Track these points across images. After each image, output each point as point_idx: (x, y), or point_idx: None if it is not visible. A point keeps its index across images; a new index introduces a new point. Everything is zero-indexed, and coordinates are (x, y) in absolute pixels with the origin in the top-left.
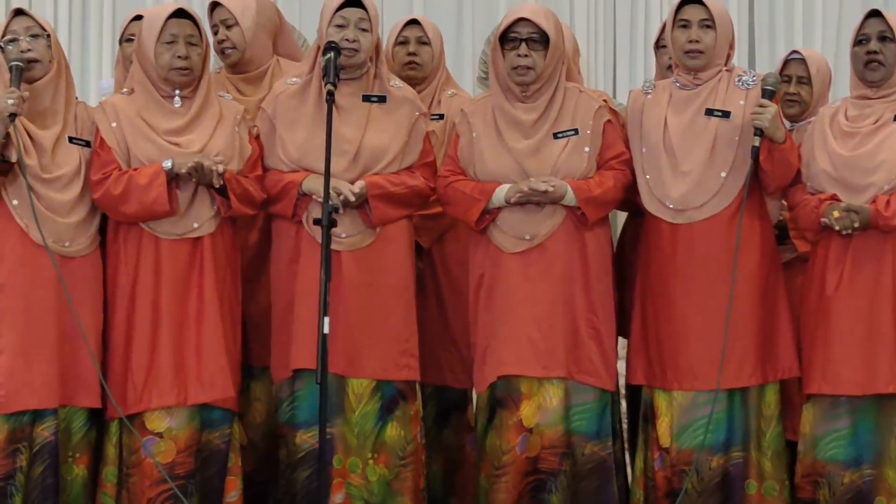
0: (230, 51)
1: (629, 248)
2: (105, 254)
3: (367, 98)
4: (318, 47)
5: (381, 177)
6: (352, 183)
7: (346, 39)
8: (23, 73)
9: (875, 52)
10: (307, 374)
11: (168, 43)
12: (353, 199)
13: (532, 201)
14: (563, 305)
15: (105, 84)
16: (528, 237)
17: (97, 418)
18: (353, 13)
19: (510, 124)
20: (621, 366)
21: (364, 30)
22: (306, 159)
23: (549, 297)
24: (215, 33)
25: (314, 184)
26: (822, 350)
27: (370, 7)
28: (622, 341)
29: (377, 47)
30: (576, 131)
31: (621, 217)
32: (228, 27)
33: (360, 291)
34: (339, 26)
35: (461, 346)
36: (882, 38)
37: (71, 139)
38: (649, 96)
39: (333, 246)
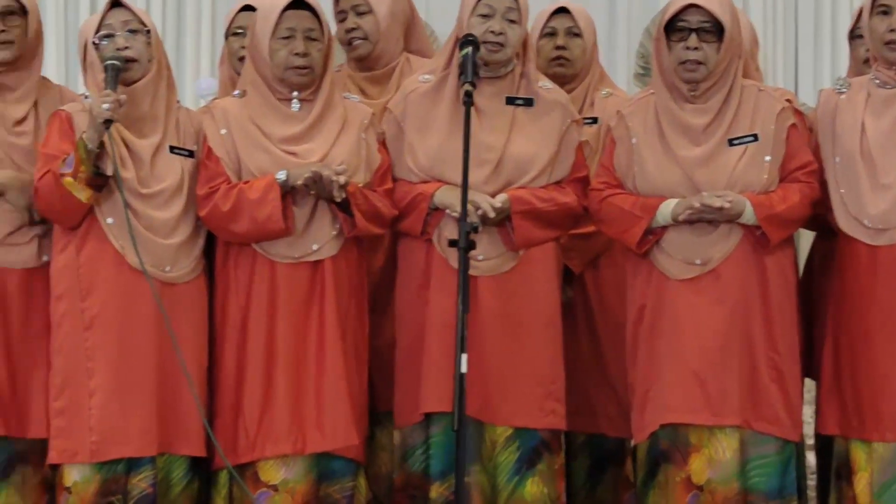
0: (359, 42)
1: (818, 273)
2: (211, 280)
3: (511, 100)
4: (456, 39)
5: (526, 191)
6: (492, 197)
7: (491, 31)
8: (119, 73)
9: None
10: (442, 419)
11: (284, 38)
12: (492, 214)
13: (704, 219)
14: (739, 342)
15: (203, 84)
16: (698, 262)
17: (200, 468)
18: (500, 1)
19: (677, 129)
20: (807, 412)
21: (512, 21)
22: (439, 168)
23: (722, 331)
24: (342, 20)
25: (447, 196)
26: None
27: None
28: (809, 384)
29: (525, 42)
30: (755, 137)
31: (807, 238)
32: (360, 14)
33: (499, 324)
34: (484, 16)
35: (618, 388)
36: None
37: (172, 149)
38: (843, 96)
39: (469, 270)
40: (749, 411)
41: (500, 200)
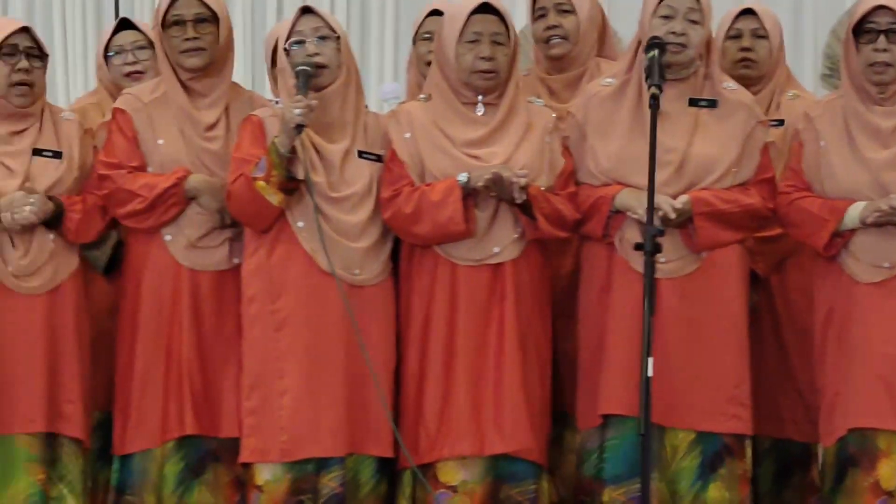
0: (559, 41)
1: None
2: (398, 282)
3: (694, 102)
4: (639, 42)
5: (708, 192)
6: (673, 199)
7: (673, 32)
8: (310, 79)
9: None
10: (619, 422)
11: (471, 42)
12: (673, 215)
13: (893, 222)
14: None
15: (387, 89)
16: (887, 265)
17: (389, 469)
18: (682, 3)
19: (865, 131)
20: None
21: (694, 21)
22: (620, 170)
23: None
24: (541, 17)
25: (629, 198)
26: None
27: None
28: None
29: (709, 43)
30: None
31: None
32: (562, 13)
33: (682, 327)
34: (665, 17)
35: (805, 393)
36: None
37: (361, 153)
38: None
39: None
40: None
41: (680, 202)
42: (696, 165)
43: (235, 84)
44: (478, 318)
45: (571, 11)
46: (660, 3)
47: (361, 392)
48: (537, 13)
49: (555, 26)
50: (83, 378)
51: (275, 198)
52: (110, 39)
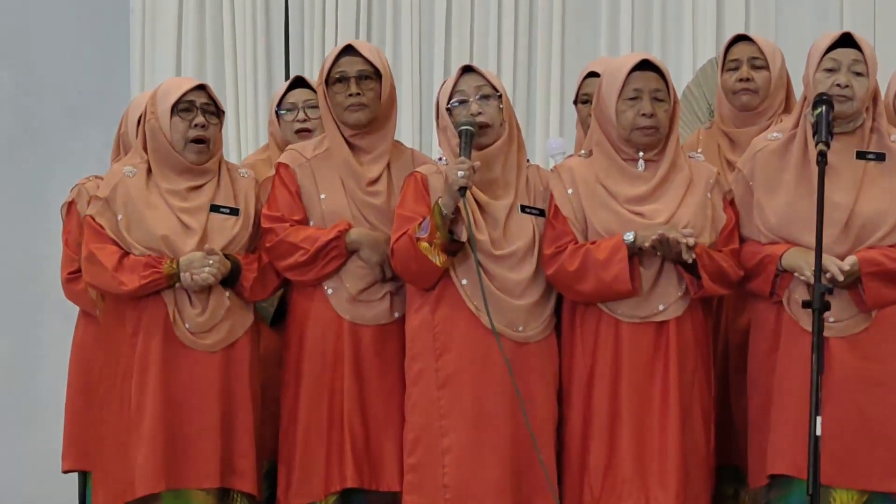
0: (751, 95)
1: None
2: (561, 339)
3: (861, 155)
4: (804, 98)
5: (877, 251)
6: (841, 258)
7: (838, 85)
8: (473, 138)
9: None
10: (784, 482)
11: (631, 99)
12: (841, 278)
13: None
14: None
15: (553, 144)
16: None
17: None
18: (845, 55)
19: None
20: None
21: (858, 73)
22: (787, 228)
23: None
24: (733, 69)
25: (796, 258)
26: None
27: (866, 47)
28: None
29: (875, 96)
30: None
31: None
32: (756, 68)
33: (854, 385)
34: (829, 70)
35: None
36: None
37: (523, 208)
38: None
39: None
40: None
41: (848, 263)
42: (863, 222)
43: (398, 142)
44: (642, 376)
45: (765, 67)
46: (823, 56)
47: (526, 450)
48: (729, 65)
49: (748, 79)
50: (255, 432)
51: (438, 259)
52: (283, 96)
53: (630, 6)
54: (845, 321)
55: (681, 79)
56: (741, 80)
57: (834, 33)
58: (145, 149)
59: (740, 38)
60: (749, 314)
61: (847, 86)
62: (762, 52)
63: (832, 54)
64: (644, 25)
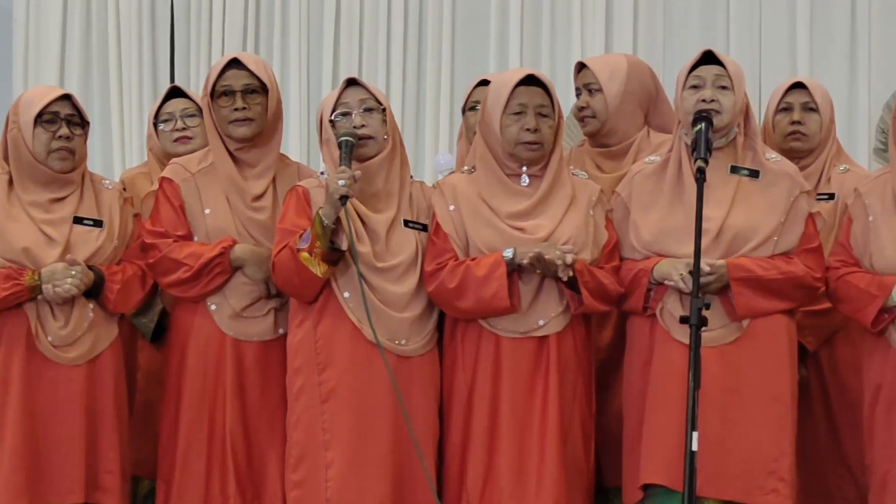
0: (589, 119)
1: None
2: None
3: (735, 170)
4: (678, 120)
5: (747, 259)
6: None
7: (703, 100)
8: (353, 149)
9: None
10: (659, 494)
11: (516, 114)
12: (707, 268)
13: None
14: None
15: (441, 160)
16: None
17: None
18: (708, 71)
19: None
20: None
21: (724, 87)
22: (660, 242)
23: None
24: (577, 95)
25: (666, 267)
26: None
27: (730, 63)
28: None
29: (747, 112)
30: None
31: None
32: (591, 92)
33: (721, 396)
34: (695, 87)
35: (856, 470)
36: None
37: (406, 223)
38: None
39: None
40: None
41: (715, 264)
42: (733, 235)
43: (283, 155)
44: (521, 391)
45: (599, 90)
46: (688, 76)
47: (408, 464)
48: (575, 92)
49: (584, 107)
50: (121, 448)
51: (319, 269)
52: (160, 108)
53: (519, 22)
54: (716, 330)
55: (568, 95)
56: (579, 107)
57: (697, 53)
58: (6, 159)
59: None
60: (611, 331)
61: (713, 100)
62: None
63: (696, 72)
64: (532, 41)
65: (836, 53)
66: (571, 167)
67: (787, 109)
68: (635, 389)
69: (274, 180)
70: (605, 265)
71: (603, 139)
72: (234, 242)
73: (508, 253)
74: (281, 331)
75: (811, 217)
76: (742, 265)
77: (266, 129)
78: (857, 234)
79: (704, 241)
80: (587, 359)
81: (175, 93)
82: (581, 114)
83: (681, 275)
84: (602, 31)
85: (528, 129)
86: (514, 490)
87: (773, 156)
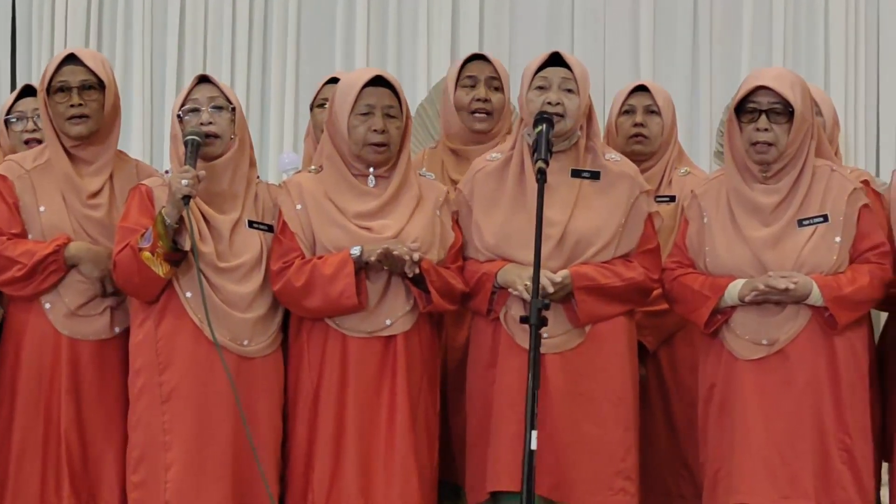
0: (483, 116)
1: (891, 353)
2: (286, 353)
3: (577, 173)
4: (521, 120)
5: (590, 266)
6: (555, 273)
7: (548, 102)
8: (199, 148)
9: None
10: (507, 498)
11: (363, 114)
12: (551, 289)
13: (770, 300)
14: (810, 423)
15: (286, 159)
16: (765, 342)
17: None
18: (555, 73)
19: (747, 209)
20: (885, 495)
21: (569, 90)
22: (503, 246)
23: (790, 413)
24: (471, 86)
25: (510, 274)
26: None
27: (576, 66)
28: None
29: (590, 115)
30: (825, 218)
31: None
32: (494, 89)
33: (568, 401)
34: (540, 88)
35: (693, 467)
36: None
37: (251, 223)
38: None
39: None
40: (823, 495)
41: (560, 276)
42: (577, 238)
43: (121, 152)
44: (368, 391)
45: (500, 89)
46: (534, 76)
47: (249, 465)
48: (467, 81)
49: (486, 100)
50: None
51: (161, 269)
52: (13, 105)
53: (365, 21)
54: (559, 336)
55: (415, 97)
56: (479, 99)
57: (544, 53)
58: None
59: (477, 57)
60: (466, 331)
61: (559, 103)
62: (497, 73)
63: (542, 73)
64: (379, 43)
65: (678, 57)
66: (422, 169)
67: (630, 112)
68: (478, 391)
69: (111, 177)
70: (452, 265)
71: (482, 139)
72: (69, 240)
73: (356, 251)
74: (118, 329)
75: (650, 217)
76: (585, 274)
77: (103, 126)
78: (693, 236)
79: (548, 247)
80: (433, 358)
81: (28, 91)
82: (480, 106)
83: (525, 285)
84: (448, 31)
85: (375, 130)
86: (361, 490)
87: (613, 156)
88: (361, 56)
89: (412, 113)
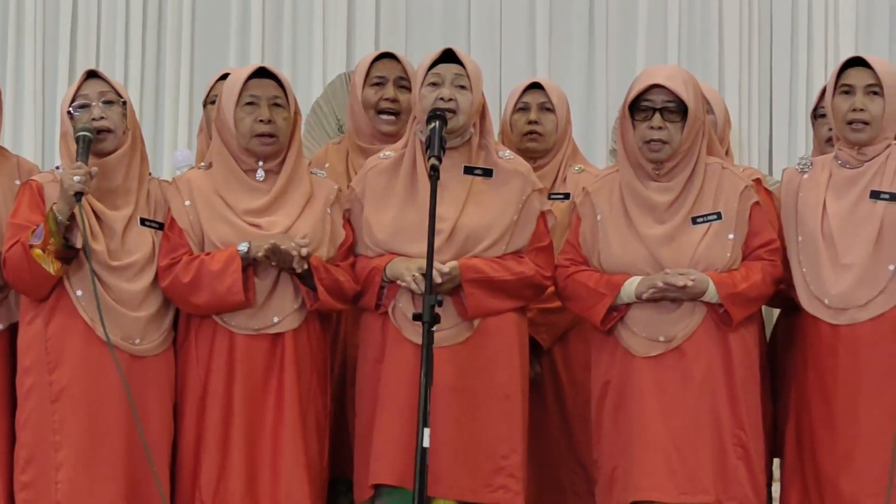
0: (391, 117)
1: (782, 350)
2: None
3: (469, 170)
4: (414, 117)
5: (479, 259)
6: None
7: (441, 98)
8: (91, 144)
9: None
10: (389, 492)
11: (248, 104)
12: (439, 279)
13: (667, 297)
14: (706, 419)
15: (179, 156)
16: (662, 339)
17: None
18: (448, 69)
19: (641, 207)
20: (776, 490)
21: (462, 87)
22: (394, 242)
23: (687, 409)
24: (378, 84)
25: (398, 267)
26: None
27: (468, 63)
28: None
29: (483, 112)
30: (718, 215)
31: (776, 312)
32: (401, 88)
33: (452, 395)
34: (433, 84)
35: (587, 465)
36: None
37: (143, 221)
38: (805, 176)
39: (421, 341)
40: (720, 490)
41: (448, 266)
42: (466, 234)
43: (2, 148)
44: (256, 389)
45: (408, 87)
46: (427, 72)
47: (142, 464)
48: (375, 80)
49: (395, 100)
50: None
51: (52, 266)
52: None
53: (260, 17)
54: (447, 330)
55: (310, 94)
56: (389, 99)
57: (438, 50)
58: None
59: (386, 56)
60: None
61: (451, 99)
62: (406, 73)
63: (435, 69)
64: (274, 40)
65: (574, 55)
66: (312, 168)
67: (525, 109)
68: (366, 386)
69: None
70: (342, 263)
71: (390, 139)
72: None
73: (243, 247)
74: (1, 326)
75: (542, 215)
76: (474, 266)
77: None
78: (586, 233)
79: (438, 241)
80: (323, 356)
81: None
82: (389, 106)
83: (413, 276)
84: (344, 29)
85: (261, 121)
86: (249, 489)
87: (506, 154)
88: (256, 53)
89: (308, 111)
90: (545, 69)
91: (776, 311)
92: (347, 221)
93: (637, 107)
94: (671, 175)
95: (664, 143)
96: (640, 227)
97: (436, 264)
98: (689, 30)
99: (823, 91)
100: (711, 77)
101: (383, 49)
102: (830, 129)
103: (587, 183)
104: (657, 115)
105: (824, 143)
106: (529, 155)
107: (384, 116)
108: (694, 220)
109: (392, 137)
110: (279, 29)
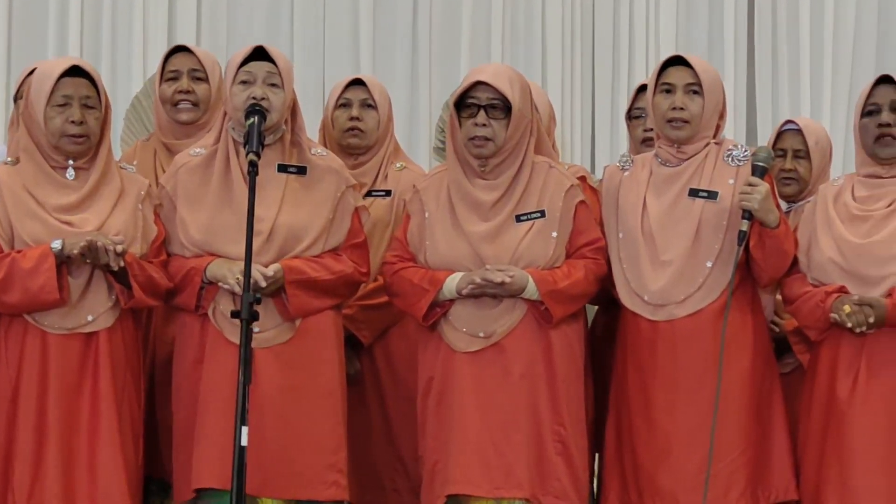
0: (190, 106)
1: (602, 346)
2: None
3: (283, 168)
4: (224, 113)
5: (300, 260)
6: (265, 267)
7: (253, 97)
8: None
9: (888, 125)
10: (211, 495)
11: (60, 105)
12: (264, 283)
13: (486, 293)
14: (525, 415)
15: None
16: (482, 335)
17: None
18: (259, 67)
19: (467, 204)
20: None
21: (274, 85)
22: (211, 242)
23: (506, 404)
24: (173, 78)
25: (220, 269)
26: (837, 470)
27: (280, 59)
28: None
29: (294, 109)
30: (542, 213)
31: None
32: (196, 80)
33: (279, 396)
34: (244, 83)
35: (408, 462)
36: (895, 109)
37: None
38: (626, 173)
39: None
40: (537, 485)
41: (272, 269)
42: (286, 234)
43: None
44: (70, 389)
45: (205, 80)
46: (238, 69)
47: None
48: (169, 74)
49: (189, 91)
50: None
51: None
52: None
53: (79, 13)
54: (270, 331)
55: (130, 89)
56: (183, 91)
57: (248, 47)
58: None
59: (180, 50)
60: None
61: (263, 98)
62: (202, 65)
63: (247, 67)
64: (93, 33)
65: (398, 53)
66: (122, 164)
67: (346, 105)
68: (184, 387)
69: None
70: (154, 260)
71: (198, 128)
72: None
73: (57, 244)
74: None
75: (357, 212)
76: (296, 268)
77: None
78: (414, 230)
79: (257, 242)
80: (136, 355)
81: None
82: (183, 97)
83: (237, 279)
84: (165, 23)
85: (73, 122)
86: (65, 490)
87: (319, 151)
88: (75, 46)
89: (128, 105)
90: (369, 66)
91: (594, 308)
92: (158, 217)
93: (463, 104)
94: (497, 172)
95: (488, 139)
96: (465, 225)
97: (260, 268)
98: (513, 28)
99: (637, 92)
100: (534, 74)
101: (203, 45)
102: (646, 130)
103: (409, 180)
104: (482, 113)
105: (640, 144)
106: (351, 151)
107: (181, 105)
108: (518, 218)
109: (192, 127)
110: (98, 23)
